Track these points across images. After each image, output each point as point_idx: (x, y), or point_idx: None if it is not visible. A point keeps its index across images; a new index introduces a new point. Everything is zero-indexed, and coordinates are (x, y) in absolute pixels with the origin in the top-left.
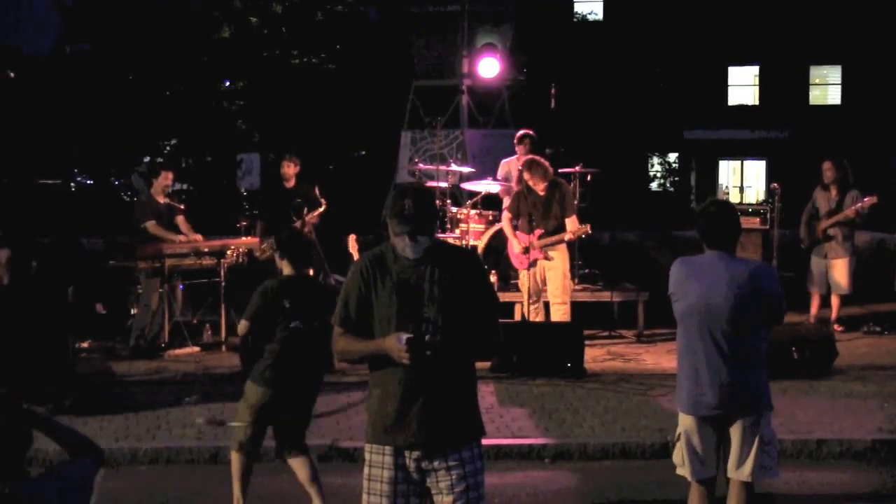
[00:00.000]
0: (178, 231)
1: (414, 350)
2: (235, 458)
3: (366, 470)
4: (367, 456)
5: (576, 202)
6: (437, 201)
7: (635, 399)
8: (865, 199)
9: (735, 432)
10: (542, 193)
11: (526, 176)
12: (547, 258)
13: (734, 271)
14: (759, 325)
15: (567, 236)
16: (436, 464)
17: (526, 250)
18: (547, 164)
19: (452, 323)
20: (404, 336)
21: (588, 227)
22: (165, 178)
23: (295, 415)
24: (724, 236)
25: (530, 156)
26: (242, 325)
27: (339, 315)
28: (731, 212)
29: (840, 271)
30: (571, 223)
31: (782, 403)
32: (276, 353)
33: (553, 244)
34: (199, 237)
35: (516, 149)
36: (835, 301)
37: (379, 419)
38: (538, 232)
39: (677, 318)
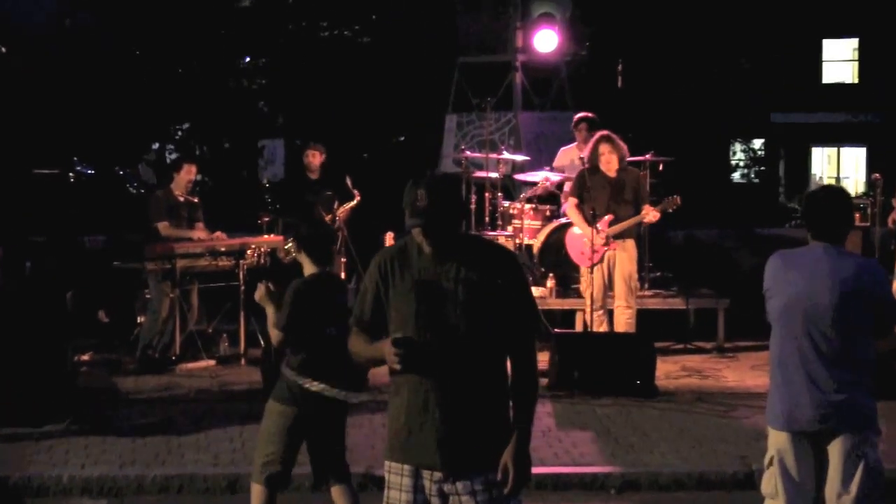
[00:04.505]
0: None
1: (404, 354)
2: (257, 491)
3: (385, 491)
4: (385, 475)
5: None
6: (487, 194)
7: (714, 421)
8: None
9: (836, 453)
10: (613, 175)
11: (603, 149)
12: (621, 249)
13: (839, 266)
14: (865, 329)
15: (650, 215)
16: (459, 487)
17: (606, 241)
18: (624, 145)
19: (478, 328)
20: (395, 337)
21: (678, 199)
22: (188, 173)
23: (329, 435)
24: (831, 225)
25: (606, 131)
26: (276, 337)
27: (355, 314)
28: (843, 199)
29: None
30: (648, 209)
31: (883, 428)
32: (302, 364)
33: (627, 228)
34: (220, 235)
35: (576, 134)
36: None
37: (395, 433)
38: (608, 218)
39: (771, 319)
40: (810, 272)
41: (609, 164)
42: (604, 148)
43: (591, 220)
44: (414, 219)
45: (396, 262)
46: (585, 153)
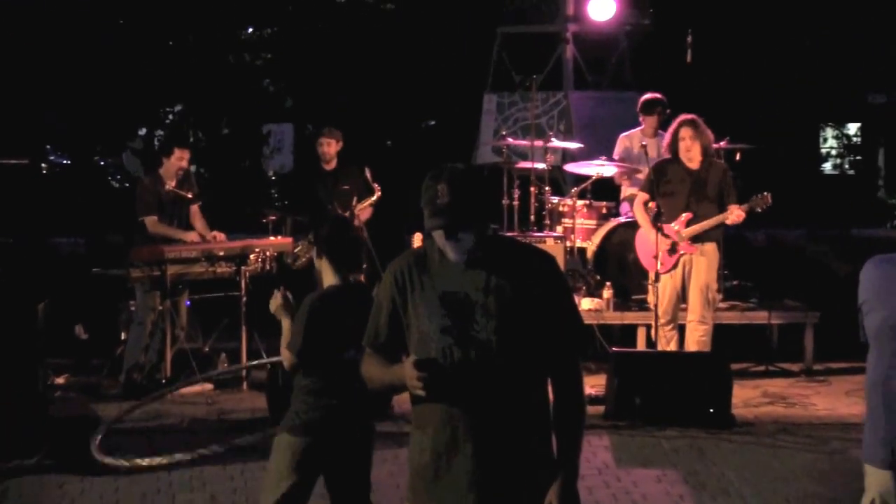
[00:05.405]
0: (187, 228)
1: (428, 378)
2: None
3: None
4: None
5: None
6: (532, 188)
7: (802, 457)
8: None
9: None
10: (695, 167)
11: (684, 133)
12: (699, 253)
13: None
14: None
15: (734, 215)
16: None
17: (672, 248)
18: (711, 133)
19: (513, 345)
20: (417, 359)
21: (768, 197)
22: (179, 159)
23: (349, 470)
24: None
25: (691, 115)
26: (288, 360)
27: (368, 333)
28: None
29: None
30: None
31: None
32: (317, 391)
33: (708, 229)
34: (219, 235)
35: (640, 119)
36: None
37: (418, 472)
38: (686, 217)
39: (869, 336)
40: None
41: (690, 152)
42: (685, 132)
43: (657, 219)
44: (434, 219)
45: (415, 271)
46: (665, 139)
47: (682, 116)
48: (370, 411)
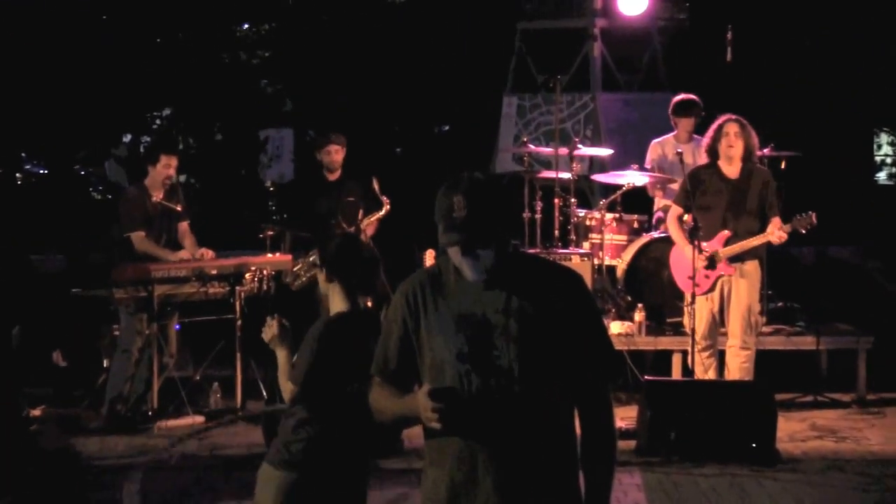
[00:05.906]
0: (175, 245)
1: (444, 409)
2: None
3: None
4: None
5: None
6: (557, 200)
7: (854, 497)
8: None
9: None
10: (734, 174)
11: (729, 129)
12: (739, 273)
13: None
14: None
15: (776, 235)
16: None
17: (710, 263)
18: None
19: (537, 372)
20: (432, 388)
21: (814, 217)
22: (166, 166)
23: None
24: None
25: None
26: (289, 392)
27: (377, 361)
28: None
29: None
30: (775, 226)
31: None
32: (306, 421)
33: (749, 249)
34: (207, 253)
35: (673, 122)
36: None
37: None
38: (725, 234)
39: None
40: None
41: (732, 149)
42: (730, 128)
43: (693, 234)
44: (450, 234)
45: (429, 292)
46: (706, 137)
47: (727, 115)
48: (366, 447)
